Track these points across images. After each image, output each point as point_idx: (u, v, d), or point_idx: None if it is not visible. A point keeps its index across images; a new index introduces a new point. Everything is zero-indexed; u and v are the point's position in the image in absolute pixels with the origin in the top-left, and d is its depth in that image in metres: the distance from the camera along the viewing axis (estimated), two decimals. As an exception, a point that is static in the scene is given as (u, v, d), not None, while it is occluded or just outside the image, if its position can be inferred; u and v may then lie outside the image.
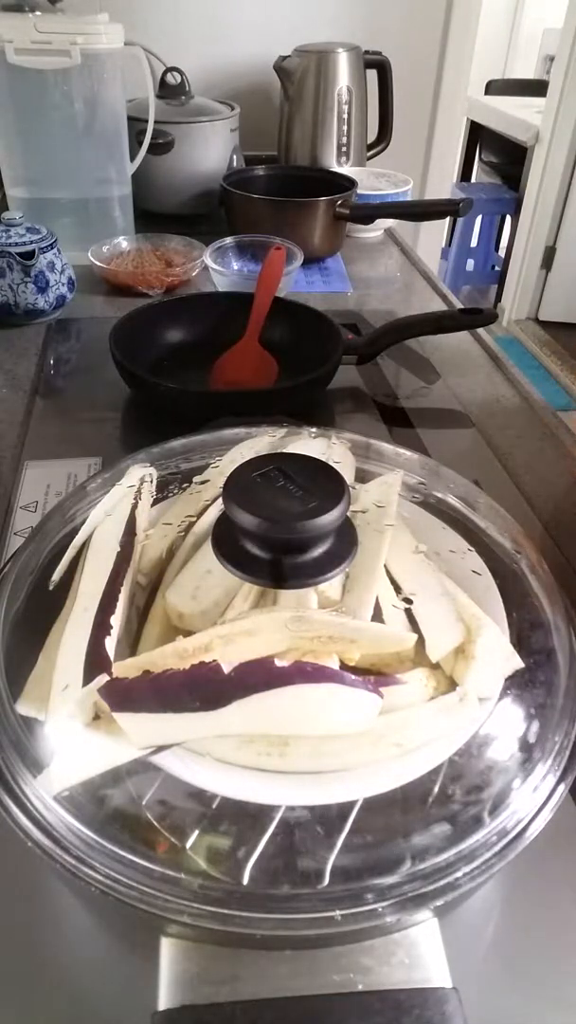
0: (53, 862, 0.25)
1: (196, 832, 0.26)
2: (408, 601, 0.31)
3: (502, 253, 3.21)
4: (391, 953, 0.25)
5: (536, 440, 0.70)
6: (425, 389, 0.78)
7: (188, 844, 0.25)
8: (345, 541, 0.30)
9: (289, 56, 1.22)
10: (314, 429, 0.42)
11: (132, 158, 1.01)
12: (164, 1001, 0.24)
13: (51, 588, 0.33)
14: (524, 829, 0.26)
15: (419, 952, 0.25)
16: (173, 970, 0.25)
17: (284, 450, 0.39)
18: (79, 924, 0.34)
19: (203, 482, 0.38)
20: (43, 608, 0.32)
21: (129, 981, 0.30)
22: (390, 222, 1.17)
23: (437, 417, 0.73)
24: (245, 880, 0.25)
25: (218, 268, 0.89)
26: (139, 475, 0.38)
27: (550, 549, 0.57)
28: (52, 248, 0.84)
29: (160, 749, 0.26)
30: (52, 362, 0.79)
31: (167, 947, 0.25)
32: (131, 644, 0.30)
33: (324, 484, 0.29)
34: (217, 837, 0.26)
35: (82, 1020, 0.31)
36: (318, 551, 0.29)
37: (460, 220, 3.02)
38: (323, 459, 0.32)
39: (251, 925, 0.24)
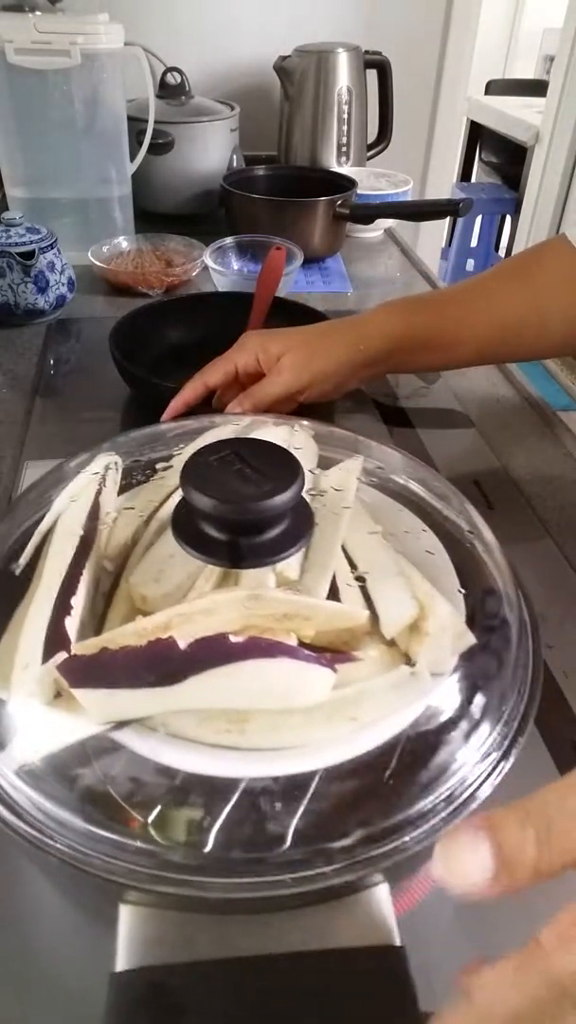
0: (14, 834, 0.26)
1: (153, 803, 0.26)
2: (362, 580, 0.32)
3: (502, 253, 3.21)
4: (341, 915, 0.26)
5: (536, 440, 0.70)
6: (425, 389, 0.78)
7: (145, 814, 0.26)
8: (302, 522, 0.31)
9: (289, 56, 1.22)
10: (280, 417, 0.43)
11: (132, 158, 1.01)
12: (121, 963, 0.25)
13: (17, 573, 0.33)
14: (471, 796, 0.27)
15: (369, 913, 0.26)
16: (131, 934, 0.26)
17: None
18: (41, 894, 0.35)
19: (167, 469, 0.39)
20: (9, 592, 0.32)
21: (89, 947, 0.31)
22: (390, 222, 1.17)
23: (437, 417, 0.73)
24: (200, 848, 0.25)
25: (218, 268, 0.89)
26: (104, 463, 0.39)
27: (551, 549, 0.57)
28: (52, 248, 0.84)
29: (120, 725, 0.27)
30: (52, 362, 0.79)
31: (125, 913, 0.26)
32: (96, 629, 0.31)
33: (279, 466, 0.30)
34: (174, 808, 0.26)
35: (43, 982, 0.32)
36: (274, 532, 0.30)
37: (460, 220, 3.02)
38: (285, 446, 0.33)
39: (205, 889, 0.25)
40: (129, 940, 0.25)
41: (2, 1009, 0.32)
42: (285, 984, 0.25)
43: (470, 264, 3.20)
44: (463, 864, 0.20)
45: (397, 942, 0.26)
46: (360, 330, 0.63)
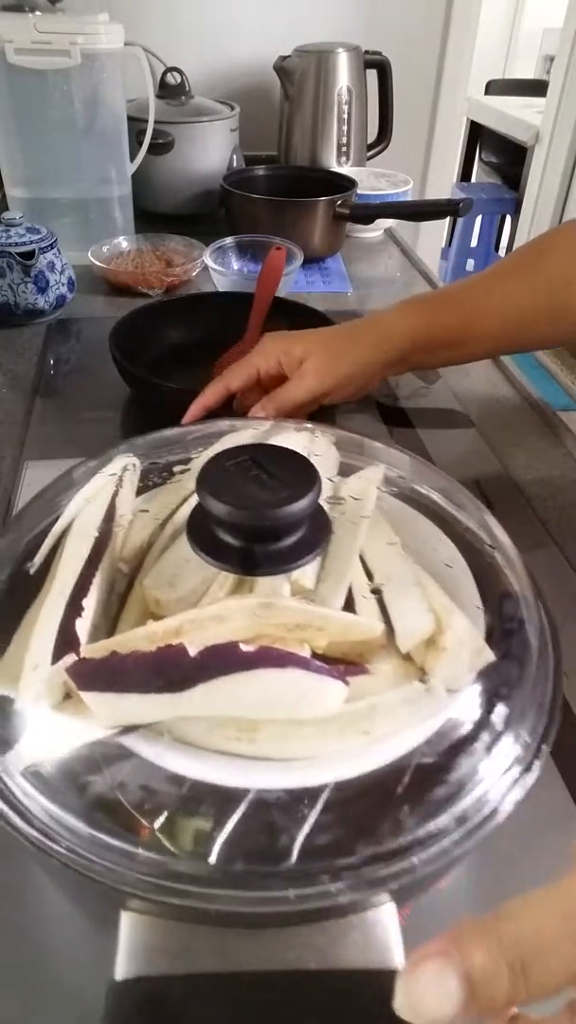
0: (18, 835, 0.26)
1: (160, 811, 0.26)
2: (378, 592, 0.32)
3: (502, 253, 3.21)
4: (345, 934, 0.25)
5: (536, 440, 0.70)
6: (425, 389, 0.78)
7: (151, 822, 0.26)
8: (318, 531, 0.31)
9: (289, 56, 1.22)
10: (302, 423, 0.42)
11: (132, 158, 1.01)
12: (120, 972, 0.25)
13: (31, 573, 0.33)
14: (486, 819, 0.26)
15: (374, 934, 0.26)
16: (131, 943, 0.25)
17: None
18: (45, 896, 0.35)
19: (184, 472, 0.39)
20: (23, 592, 0.32)
21: (90, 952, 0.31)
22: (390, 222, 1.17)
23: (437, 417, 0.73)
24: (204, 859, 0.25)
25: (218, 268, 0.89)
26: (122, 464, 0.39)
27: (551, 550, 0.57)
28: (52, 248, 0.84)
29: (128, 730, 0.27)
30: (52, 362, 0.79)
31: (127, 920, 0.26)
32: (109, 631, 0.31)
33: (296, 473, 0.30)
34: (181, 817, 0.26)
35: (46, 986, 0.32)
36: (290, 540, 0.30)
37: (460, 220, 3.02)
38: (305, 452, 0.32)
39: (207, 900, 0.24)
40: (130, 948, 0.25)
41: (5, 1011, 0.32)
42: (285, 1002, 0.24)
43: (470, 264, 3.20)
44: (428, 998, 0.18)
45: (401, 966, 0.25)
46: (379, 331, 0.63)
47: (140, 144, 1.01)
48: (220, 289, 0.91)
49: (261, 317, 0.75)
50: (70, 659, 0.27)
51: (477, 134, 3.37)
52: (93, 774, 0.27)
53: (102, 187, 0.99)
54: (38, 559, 0.34)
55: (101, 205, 1.00)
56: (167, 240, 1.01)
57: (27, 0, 0.96)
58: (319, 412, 0.72)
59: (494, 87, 3.49)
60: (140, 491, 0.38)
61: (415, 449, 0.67)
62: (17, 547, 0.35)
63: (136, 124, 1.01)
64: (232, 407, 0.61)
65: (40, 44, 0.86)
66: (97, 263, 0.93)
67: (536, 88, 3.18)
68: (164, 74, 1.11)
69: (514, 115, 2.97)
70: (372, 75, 1.28)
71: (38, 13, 0.92)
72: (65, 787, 0.27)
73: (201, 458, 0.39)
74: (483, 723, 0.29)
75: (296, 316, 0.77)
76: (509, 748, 0.28)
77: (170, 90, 1.11)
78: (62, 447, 0.65)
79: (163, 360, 0.76)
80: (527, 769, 0.28)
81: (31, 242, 0.82)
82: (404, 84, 1.34)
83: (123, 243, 0.99)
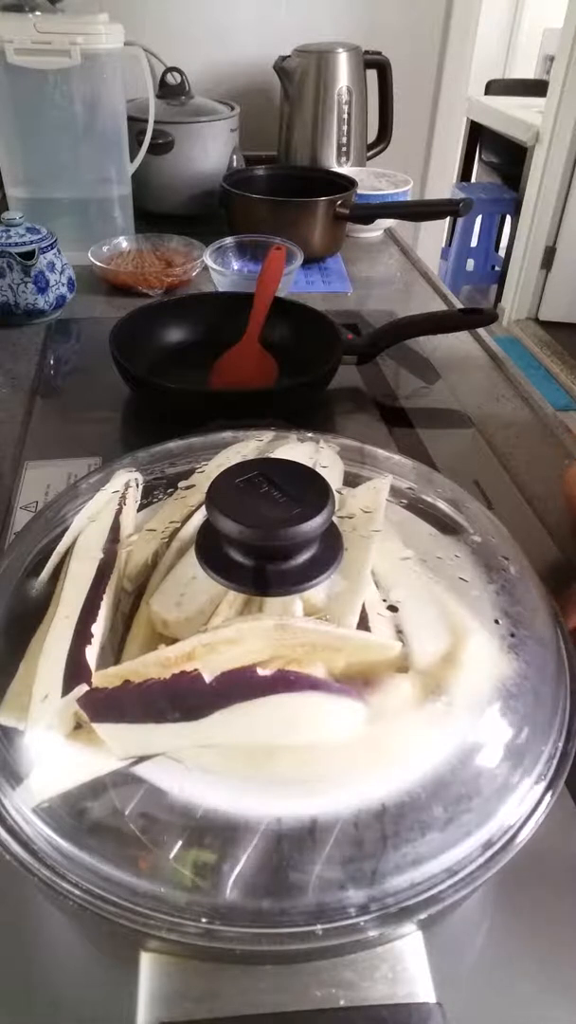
0: (31, 875, 0.25)
1: (177, 845, 0.25)
2: (393, 609, 0.31)
3: (502, 253, 3.21)
4: (374, 968, 0.25)
5: (536, 440, 0.70)
6: (425, 389, 0.78)
7: (168, 857, 0.25)
8: (330, 547, 0.30)
9: (289, 56, 1.22)
10: (305, 433, 0.42)
11: (132, 158, 1.01)
12: (143, 1018, 0.24)
13: (34, 595, 0.32)
14: (510, 841, 0.26)
15: (403, 966, 0.25)
16: (152, 986, 0.24)
17: (271, 455, 0.38)
18: (59, 938, 0.33)
19: (188, 487, 0.37)
20: (26, 615, 0.31)
21: (108, 996, 0.30)
22: (390, 222, 1.17)
23: (437, 417, 0.73)
24: (226, 894, 0.24)
25: (218, 268, 0.89)
26: (124, 480, 0.37)
27: (550, 549, 0.57)
28: (52, 248, 0.84)
29: (141, 760, 0.26)
30: (52, 362, 0.79)
31: (147, 962, 0.25)
32: (116, 651, 0.30)
33: (308, 490, 0.29)
34: (198, 850, 0.25)
35: None
36: (303, 558, 0.29)
37: (460, 220, 3.02)
38: (310, 464, 0.31)
39: (231, 940, 0.23)
40: (150, 993, 0.24)
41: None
42: None
43: (470, 264, 3.20)
44: None
45: (433, 999, 0.24)
46: None
47: (140, 144, 1.01)
48: (220, 289, 0.91)
49: (261, 317, 0.75)
50: (81, 689, 0.27)
51: (477, 134, 3.37)
52: (106, 808, 0.26)
53: (102, 187, 0.99)
54: (41, 581, 0.32)
55: (101, 205, 1.00)
56: (167, 240, 1.01)
57: (27, 0, 0.96)
58: (316, 411, 0.72)
59: (494, 87, 3.49)
60: (142, 506, 0.37)
61: (415, 449, 0.67)
62: (19, 568, 0.34)
63: (136, 124, 1.01)
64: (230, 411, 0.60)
65: (40, 44, 0.86)
66: (97, 263, 0.93)
67: (536, 88, 3.18)
68: (164, 74, 1.11)
69: (514, 115, 2.97)
70: (372, 75, 1.28)
71: (38, 13, 0.92)
72: (78, 824, 0.26)
73: (205, 472, 0.38)
74: (502, 743, 0.28)
75: (296, 316, 0.77)
76: (529, 769, 0.27)
77: (170, 90, 1.11)
78: (62, 447, 0.65)
79: (163, 360, 0.75)
80: (549, 788, 0.27)
81: (31, 242, 0.82)
82: (404, 84, 1.34)
83: (123, 243, 0.99)
